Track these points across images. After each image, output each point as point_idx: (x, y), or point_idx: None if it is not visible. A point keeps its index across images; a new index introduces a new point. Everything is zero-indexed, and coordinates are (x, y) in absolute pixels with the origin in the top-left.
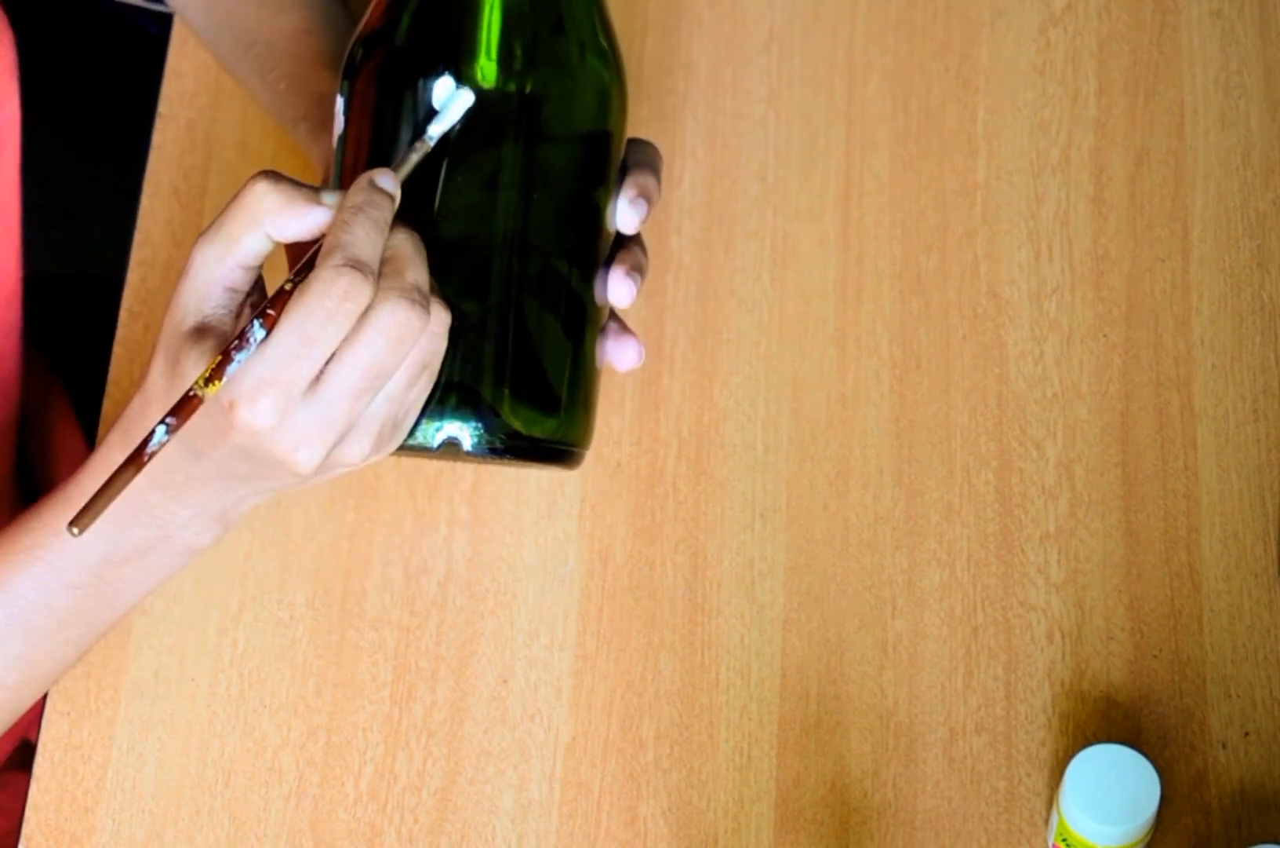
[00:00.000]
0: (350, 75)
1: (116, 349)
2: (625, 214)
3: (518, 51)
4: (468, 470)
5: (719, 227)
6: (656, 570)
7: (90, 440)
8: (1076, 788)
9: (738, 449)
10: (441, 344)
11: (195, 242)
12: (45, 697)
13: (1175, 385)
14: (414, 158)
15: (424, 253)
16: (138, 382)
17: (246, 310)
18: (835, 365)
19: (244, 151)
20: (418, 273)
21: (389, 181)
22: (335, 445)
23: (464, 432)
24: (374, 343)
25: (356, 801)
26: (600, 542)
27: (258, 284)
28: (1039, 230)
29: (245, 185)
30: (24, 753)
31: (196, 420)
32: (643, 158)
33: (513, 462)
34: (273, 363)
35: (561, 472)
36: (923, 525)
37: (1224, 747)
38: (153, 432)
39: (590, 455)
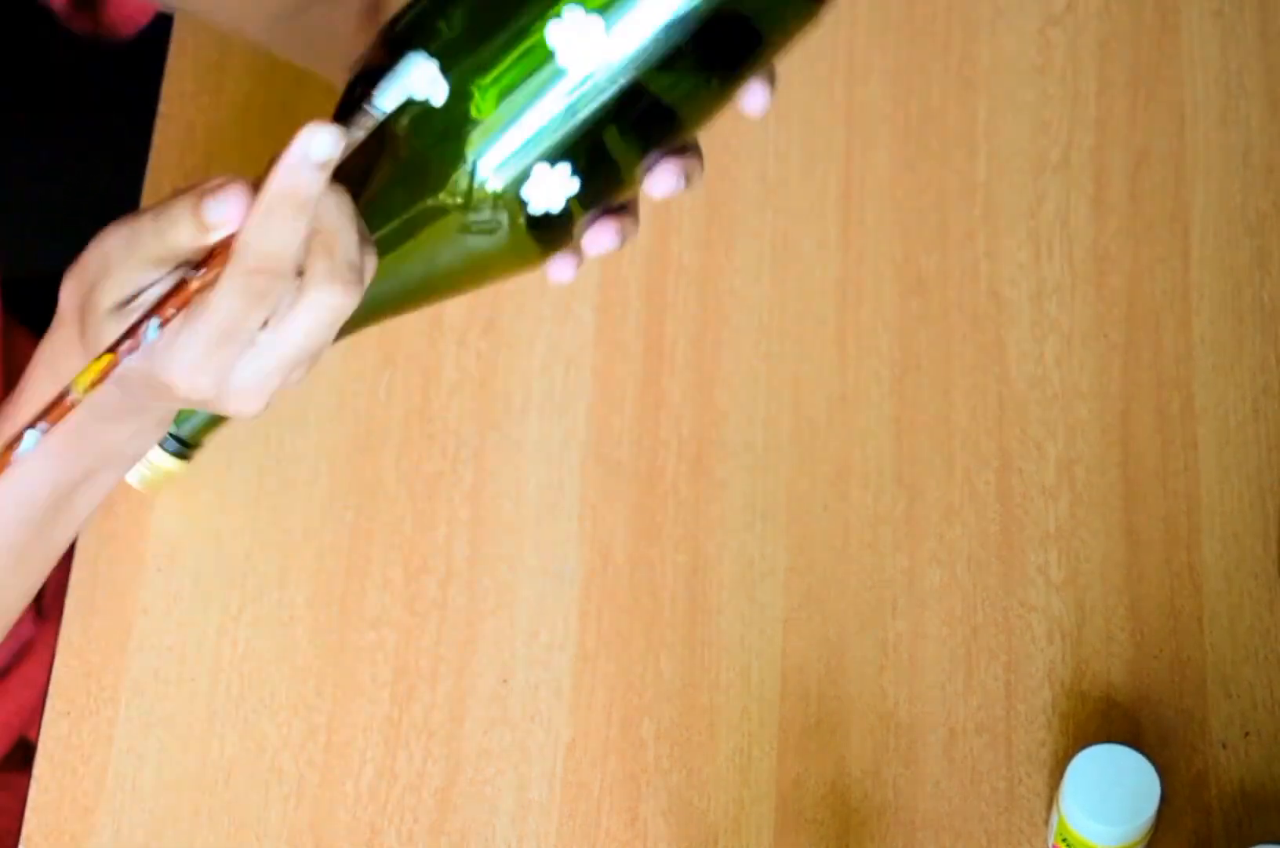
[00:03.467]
0: None
1: None
2: (757, 95)
3: None
4: (468, 470)
5: (719, 227)
6: (656, 570)
7: None
8: (1076, 788)
9: (738, 449)
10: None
11: (109, 235)
12: (45, 697)
13: (1175, 385)
14: (359, 134)
15: (353, 216)
16: None
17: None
18: (835, 365)
19: (244, 151)
20: (348, 246)
21: (326, 149)
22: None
23: None
24: (307, 326)
25: (356, 801)
26: (600, 542)
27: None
28: (1039, 230)
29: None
30: (24, 753)
31: (128, 375)
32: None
33: None
34: (199, 349)
35: (561, 471)
36: (923, 526)
37: (1224, 747)
38: (20, 436)
39: (590, 455)
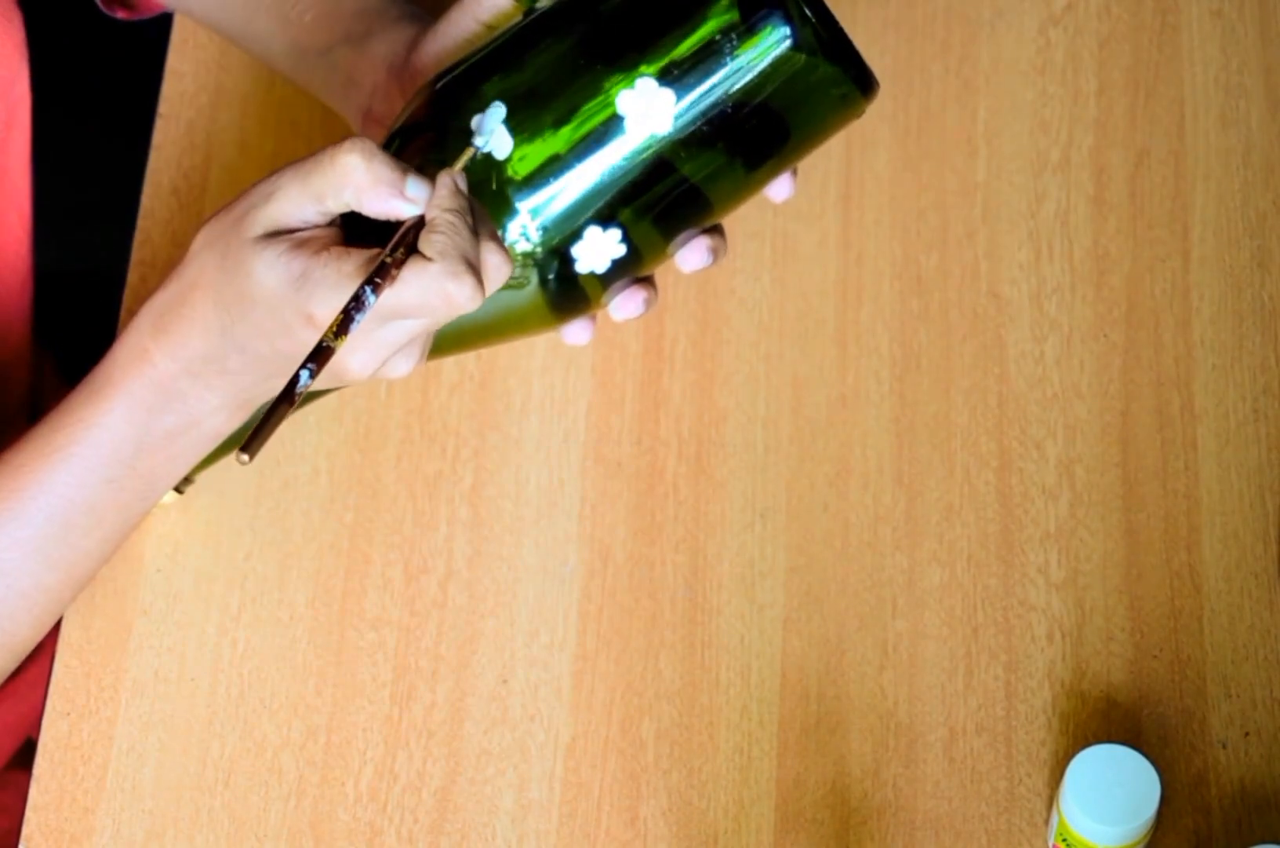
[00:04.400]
0: None
1: None
2: (783, 185)
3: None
4: (467, 470)
5: None
6: (656, 570)
7: None
8: (1076, 788)
9: (738, 449)
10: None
11: (285, 169)
12: (45, 697)
13: (1175, 385)
14: (465, 160)
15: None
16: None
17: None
18: (835, 365)
19: (244, 151)
20: (487, 221)
21: (464, 183)
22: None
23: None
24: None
25: (356, 801)
26: (600, 542)
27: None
28: (1039, 230)
29: (338, 148)
30: (27, 752)
31: (255, 317)
32: None
33: None
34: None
35: (561, 471)
36: (923, 525)
37: (1224, 747)
38: (297, 374)
39: (590, 455)
